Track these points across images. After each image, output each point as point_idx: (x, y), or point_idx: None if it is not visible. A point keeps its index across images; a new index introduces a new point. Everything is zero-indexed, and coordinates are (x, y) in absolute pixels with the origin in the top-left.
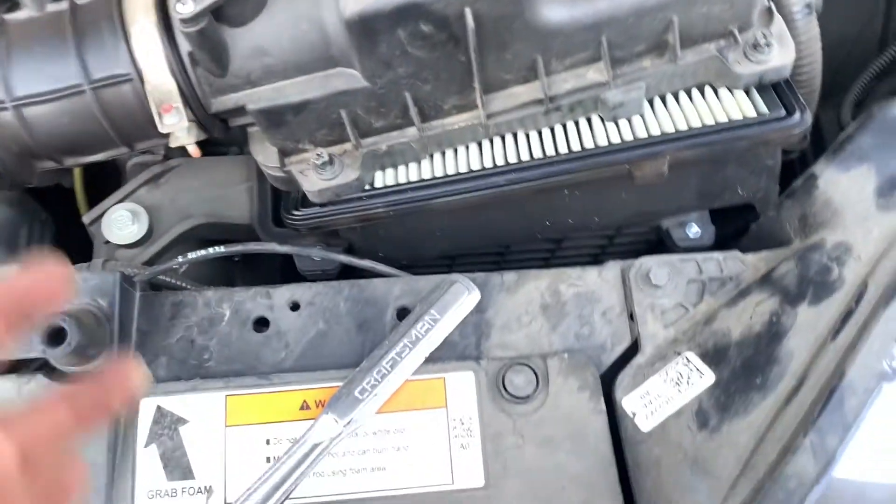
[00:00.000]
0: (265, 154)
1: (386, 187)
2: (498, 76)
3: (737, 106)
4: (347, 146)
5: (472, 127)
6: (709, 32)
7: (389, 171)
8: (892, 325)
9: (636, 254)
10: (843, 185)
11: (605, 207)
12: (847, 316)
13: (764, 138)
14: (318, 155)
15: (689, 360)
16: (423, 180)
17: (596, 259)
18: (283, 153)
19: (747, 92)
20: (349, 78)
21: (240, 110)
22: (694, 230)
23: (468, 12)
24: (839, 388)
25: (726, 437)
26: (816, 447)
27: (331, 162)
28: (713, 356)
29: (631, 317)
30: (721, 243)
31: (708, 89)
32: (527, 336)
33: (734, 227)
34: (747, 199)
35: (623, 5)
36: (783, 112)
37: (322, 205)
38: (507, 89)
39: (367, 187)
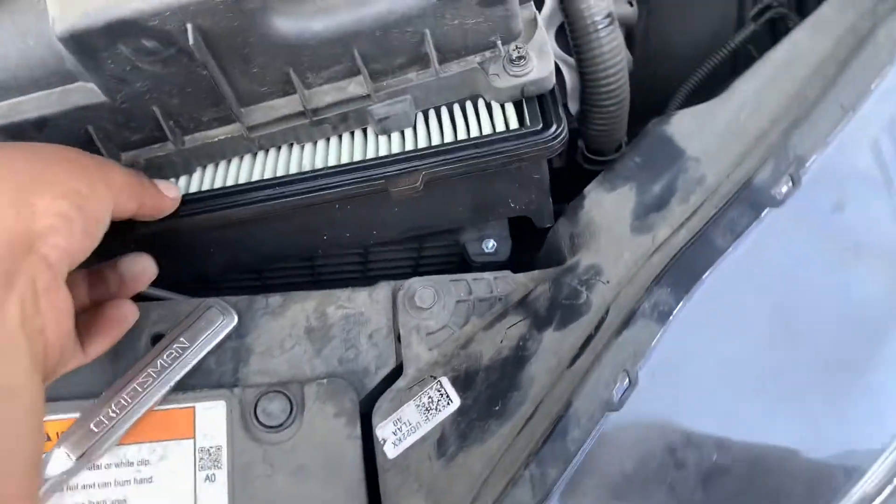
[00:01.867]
0: None
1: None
2: (252, 89)
3: (501, 119)
4: None
5: (234, 139)
6: (470, 44)
7: None
8: (622, 354)
9: (449, 268)
10: (606, 205)
11: (379, 221)
12: (587, 342)
13: (518, 153)
14: None
15: (441, 386)
16: (185, 194)
17: (413, 273)
18: None
19: (517, 105)
20: (88, 93)
21: None
22: (490, 244)
23: (190, 29)
24: (565, 417)
25: (462, 466)
26: (536, 479)
27: None
28: (464, 381)
29: (398, 339)
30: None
31: (478, 103)
32: (288, 361)
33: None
34: (521, 212)
35: (365, 19)
36: (540, 125)
37: None
38: (266, 102)
39: None
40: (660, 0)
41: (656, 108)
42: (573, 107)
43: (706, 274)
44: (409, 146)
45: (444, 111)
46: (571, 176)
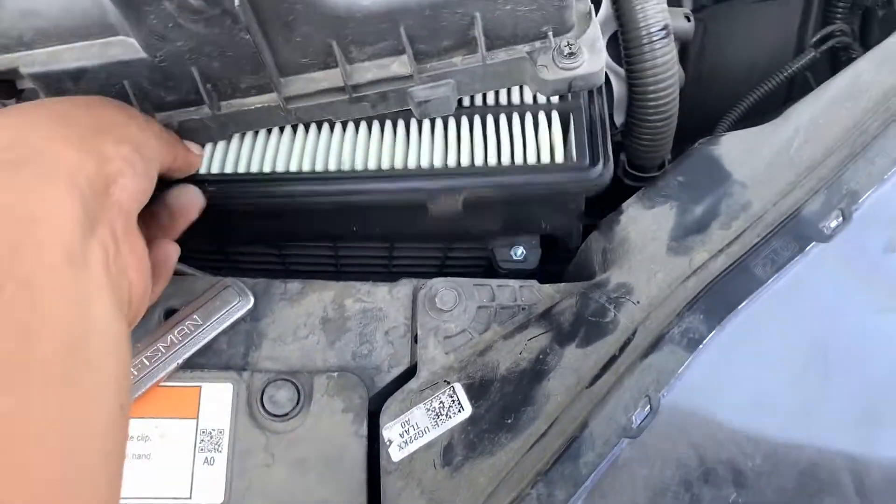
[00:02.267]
0: None
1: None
2: (293, 59)
3: (547, 143)
4: None
5: (270, 109)
6: (520, 33)
7: None
8: (645, 379)
9: (475, 271)
10: (643, 223)
11: (410, 223)
12: (610, 362)
13: (562, 188)
14: None
15: (454, 392)
16: (219, 174)
17: (438, 273)
18: None
19: (564, 126)
20: (128, 48)
21: (18, 73)
22: (519, 252)
23: None
24: (579, 438)
25: (467, 477)
26: (542, 499)
27: None
28: (478, 390)
29: (415, 339)
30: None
31: (525, 119)
32: (300, 350)
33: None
34: (550, 232)
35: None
36: (587, 161)
37: None
38: (307, 73)
39: None
40: (717, 18)
41: (705, 128)
42: (619, 119)
43: (742, 304)
44: (452, 158)
45: (490, 123)
46: (610, 191)
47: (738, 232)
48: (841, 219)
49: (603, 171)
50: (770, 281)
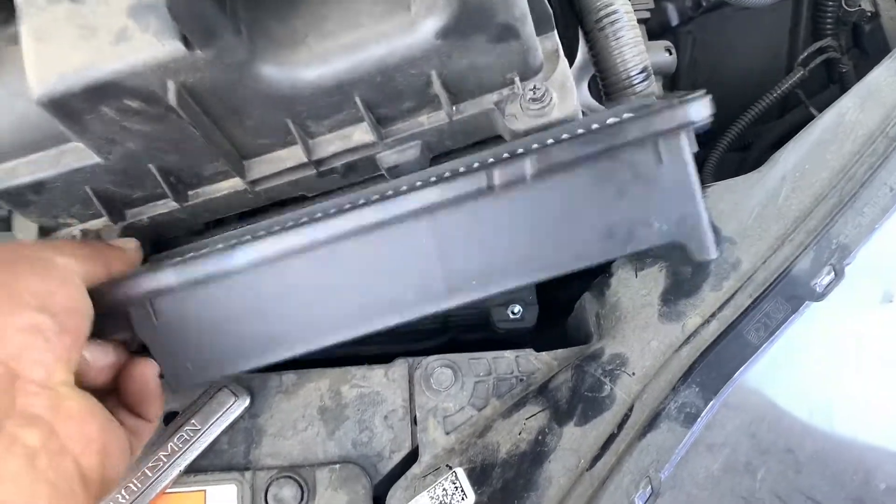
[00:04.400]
0: (25, 231)
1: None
2: (250, 142)
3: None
4: (106, 220)
5: (239, 193)
6: (485, 83)
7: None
8: (645, 459)
9: (474, 329)
10: (633, 286)
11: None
12: (608, 442)
13: (654, 125)
14: (72, 237)
15: (456, 478)
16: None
17: (437, 332)
18: (47, 230)
19: None
20: (81, 154)
21: None
22: (516, 309)
23: (172, 87)
24: None
25: None
26: None
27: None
28: (479, 474)
29: (414, 421)
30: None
31: None
32: (301, 443)
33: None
34: (670, 237)
35: (363, 64)
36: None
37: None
38: (269, 154)
39: None
40: (706, 29)
41: (702, 142)
42: None
43: (737, 373)
44: None
45: None
46: None
47: (730, 293)
48: (833, 275)
49: (700, 96)
50: (764, 346)
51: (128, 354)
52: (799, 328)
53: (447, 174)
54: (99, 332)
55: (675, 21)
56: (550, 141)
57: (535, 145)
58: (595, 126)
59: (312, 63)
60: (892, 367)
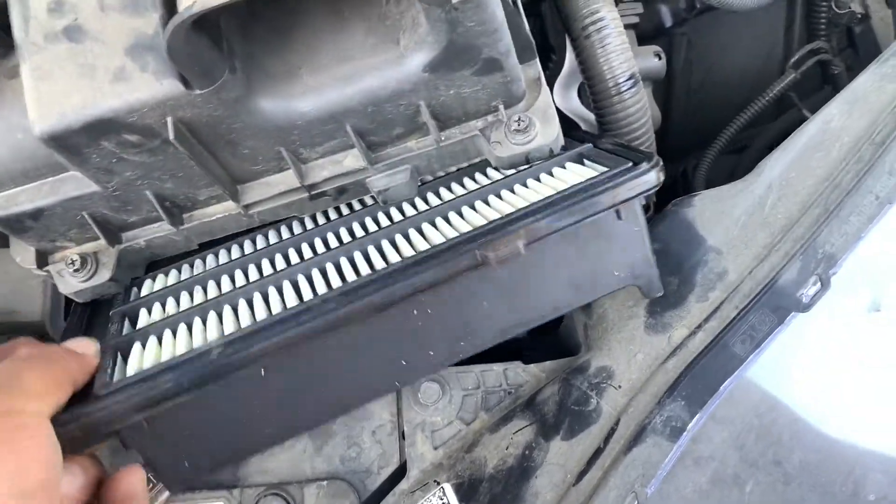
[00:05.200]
0: (23, 255)
1: (173, 359)
2: (245, 168)
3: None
4: (102, 243)
5: (233, 216)
6: (470, 111)
7: (160, 277)
8: (631, 474)
9: None
10: (619, 298)
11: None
12: (595, 456)
13: (619, 192)
14: (71, 261)
15: (444, 493)
16: (223, 337)
17: None
18: (44, 253)
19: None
20: (80, 182)
21: None
22: None
23: (170, 122)
24: None
25: None
26: None
27: (84, 262)
28: (467, 489)
29: (402, 436)
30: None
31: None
32: (289, 460)
33: None
34: (627, 282)
35: (355, 96)
36: (629, 163)
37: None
38: (262, 179)
39: (138, 368)
40: (700, 31)
41: (700, 140)
42: None
43: (723, 386)
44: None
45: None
46: None
47: (716, 304)
48: (819, 285)
49: (654, 164)
50: (750, 358)
51: (101, 467)
52: (786, 338)
53: (442, 249)
54: (70, 450)
55: (668, 23)
56: (531, 207)
57: (519, 220)
58: (569, 195)
59: (307, 95)
60: (881, 377)
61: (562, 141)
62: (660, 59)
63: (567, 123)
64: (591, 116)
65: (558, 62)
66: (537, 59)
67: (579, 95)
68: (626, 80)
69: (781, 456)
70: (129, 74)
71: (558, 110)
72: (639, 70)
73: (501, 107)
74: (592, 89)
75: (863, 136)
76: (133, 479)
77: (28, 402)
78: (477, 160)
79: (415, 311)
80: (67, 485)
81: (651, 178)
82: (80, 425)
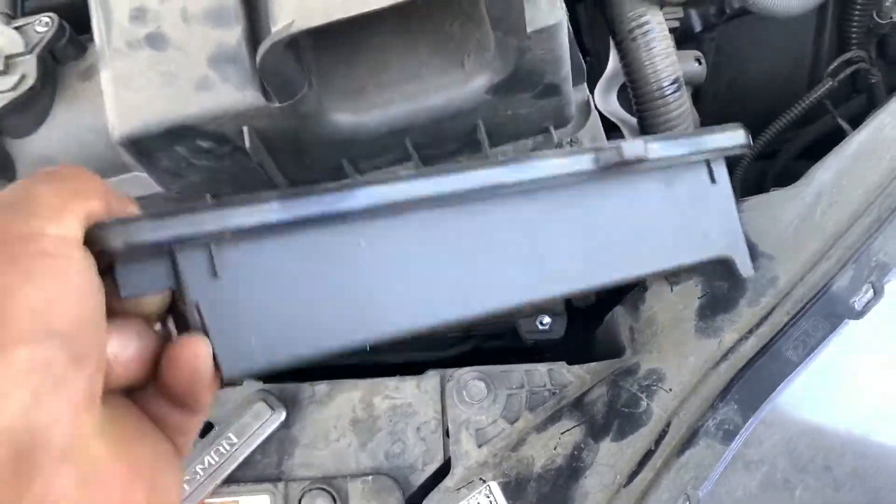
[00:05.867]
0: None
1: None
2: (303, 175)
3: None
4: None
5: None
6: (522, 130)
7: None
8: (683, 476)
9: (496, 337)
10: (668, 300)
11: None
12: (645, 458)
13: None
14: None
15: (490, 492)
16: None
17: (460, 340)
18: None
19: None
20: (143, 183)
21: None
22: (545, 320)
23: (247, 132)
24: None
25: None
26: None
27: None
28: (514, 488)
29: (447, 433)
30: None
31: None
32: (333, 454)
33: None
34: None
35: (420, 114)
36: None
37: None
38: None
39: None
40: (729, 37)
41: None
42: None
43: (776, 391)
44: None
45: None
46: None
47: (768, 310)
48: (872, 293)
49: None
50: (803, 364)
51: (157, 335)
52: (837, 346)
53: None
54: (114, 296)
55: (698, 28)
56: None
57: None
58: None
59: (373, 111)
60: None
61: None
62: (700, 63)
63: (606, 125)
64: (631, 119)
65: (593, 64)
66: (585, 83)
67: (618, 98)
68: (671, 83)
69: (831, 461)
70: (211, 84)
71: (599, 112)
72: (682, 74)
73: (552, 127)
74: (636, 92)
75: None
76: (197, 350)
77: (48, 224)
78: None
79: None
80: (116, 352)
81: (741, 134)
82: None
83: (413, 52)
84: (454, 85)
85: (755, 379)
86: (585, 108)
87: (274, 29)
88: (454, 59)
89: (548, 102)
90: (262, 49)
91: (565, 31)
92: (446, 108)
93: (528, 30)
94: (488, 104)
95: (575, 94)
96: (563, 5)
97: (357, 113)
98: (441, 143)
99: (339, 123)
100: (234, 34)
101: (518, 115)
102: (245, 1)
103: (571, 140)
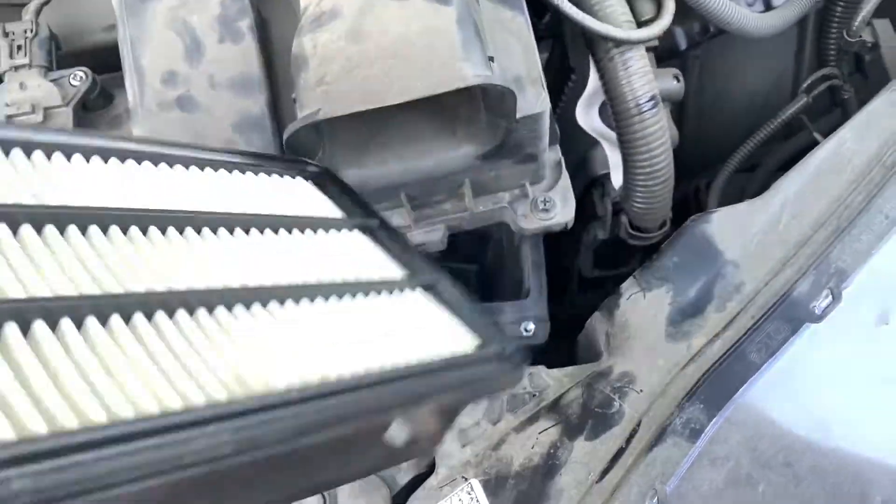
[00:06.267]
0: None
1: None
2: None
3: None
4: None
5: None
6: (503, 186)
7: None
8: (651, 472)
9: None
10: (642, 306)
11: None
12: (617, 456)
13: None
14: None
15: (472, 489)
16: None
17: None
18: None
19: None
20: None
21: None
22: (530, 327)
23: None
24: None
25: None
26: None
27: None
28: (494, 486)
29: None
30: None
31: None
32: None
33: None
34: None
35: (413, 174)
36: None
37: None
38: None
39: None
40: (712, 54)
41: (710, 161)
42: (616, 180)
43: (740, 391)
44: None
45: None
46: (616, 247)
47: (733, 315)
48: (831, 298)
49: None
50: (765, 365)
51: None
52: (798, 348)
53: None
54: None
55: (683, 45)
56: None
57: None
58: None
59: (374, 168)
60: (888, 387)
61: (572, 220)
62: (678, 81)
63: (588, 141)
64: (612, 135)
65: (578, 81)
66: (558, 145)
67: (600, 114)
68: (647, 101)
69: (792, 458)
70: (235, 147)
71: (580, 128)
72: (659, 91)
73: (528, 184)
74: (614, 109)
75: (873, 159)
76: None
77: None
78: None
79: None
80: None
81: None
82: None
83: (411, 116)
84: (447, 150)
85: (720, 380)
86: (557, 168)
87: (300, 114)
88: (447, 125)
89: (527, 167)
90: (289, 129)
91: (548, 115)
92: (438, 169)
93: (517, 115)
94: (475, 167)
95: (549, 155)
96: (547, 94)
97: (360, 167)
98: (430, 194)
99: (349, 177)
100: (257, 103)
101: (500, 175)
102: (267, 73)
103: (545, 200)
